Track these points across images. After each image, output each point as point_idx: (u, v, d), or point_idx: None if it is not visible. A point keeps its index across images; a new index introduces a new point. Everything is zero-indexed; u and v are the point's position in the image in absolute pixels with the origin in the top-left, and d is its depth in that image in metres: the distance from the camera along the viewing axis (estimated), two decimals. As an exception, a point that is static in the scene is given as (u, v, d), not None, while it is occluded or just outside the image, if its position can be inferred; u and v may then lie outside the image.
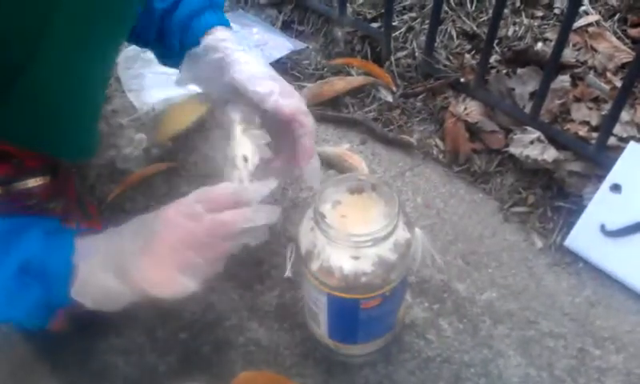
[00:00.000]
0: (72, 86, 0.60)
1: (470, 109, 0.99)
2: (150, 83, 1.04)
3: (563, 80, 0.98)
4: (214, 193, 0.60)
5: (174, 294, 0.58)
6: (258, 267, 0.85)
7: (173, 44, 0.76)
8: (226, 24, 0.75)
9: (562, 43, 0.86)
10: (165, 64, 0.85)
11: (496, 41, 1.05)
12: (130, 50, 1.09)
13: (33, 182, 0.66)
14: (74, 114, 0.64)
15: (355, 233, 0.61)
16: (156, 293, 0.58)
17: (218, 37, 0.72)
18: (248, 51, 0.72)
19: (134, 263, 0.58)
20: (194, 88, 1.02)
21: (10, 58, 0.52)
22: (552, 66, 0.89)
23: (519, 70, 1.01)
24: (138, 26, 0.73)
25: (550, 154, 0.91)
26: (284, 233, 0.88)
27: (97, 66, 0.65)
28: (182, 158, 0.98)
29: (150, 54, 1.06)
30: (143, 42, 0.82)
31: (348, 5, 1.15)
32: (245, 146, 0.67)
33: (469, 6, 1.13)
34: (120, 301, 0.60)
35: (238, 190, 0.62)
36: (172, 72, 0.87)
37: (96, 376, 0.75)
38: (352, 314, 0.66)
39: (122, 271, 0.58)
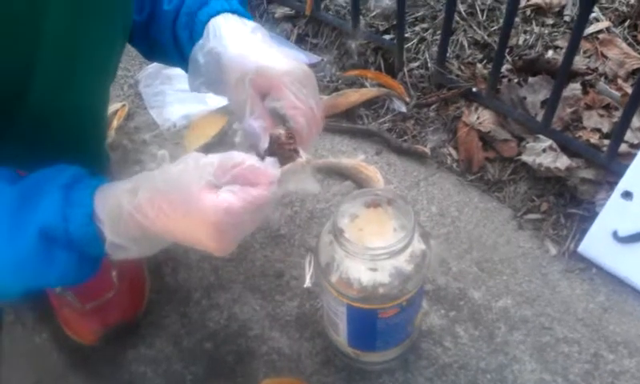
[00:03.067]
0: (69, 107, 0.62)
1: (482, 118, 1.01)
2: (170, 100, 1.08)
3: (574, 88, 0.99)
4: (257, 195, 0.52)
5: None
6: (278, 279, 0.88)
7: (184, 47, 0.67)
8: (238, 10, 0.65)
9: (572, 51, 0.87)
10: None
11: (507, 50, 1.07)
12: (150, 68, 1.13)
13: None
14: (77, 132, 0.64)
15: (372, 246, 0.63)
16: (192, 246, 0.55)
17: (219, 27, 0.63)
18: (248, 36, 0.62)
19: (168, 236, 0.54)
20: (213, 100, 1.07)
21: (4, 90, 0.55)
22: (563, 75, 0.90)
23: (530, 79, 1.02)
24: (154, 38, 0.70)
25: (563, 161, 0.92)
26: (303, 244, 0.91)
27: (91, 85, 0.65)
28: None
29: (169, 71, 1.10)
30: (167, 56, 0.73)
31: (361, 17, 1.17)
32: None
33: (480, 15, 1.15)
34: (151, 249, 0.58)
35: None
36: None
37: (126, 385, 0.79)
38: (370, 323, 0.68)
39: (144, 232, 0.54)
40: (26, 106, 0.59)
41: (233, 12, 0.64)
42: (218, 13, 0.64)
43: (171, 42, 0.69)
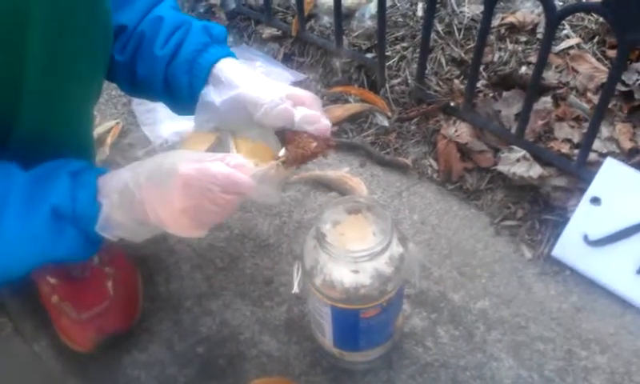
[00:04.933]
0: (57, 129, 0.68)
1: (460, 130, 1.06)
2: (162, 117, 1.12)
3: (546, 101, 1.05)
4: (235, 178, 0.62)
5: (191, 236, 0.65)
6: (267, 285, 0.92)
7: (181, 89, 0.75)
8: (232, 56, 0.76)
9: (541, 66, 0.93)
10: (179, 113, 0.84)
11: (483, 66, 1.13)
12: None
13: None
14: (66, 152, 0.68)
15: (353, 249, 0.68)
16: (172, 232, 0.64)
17: (224, 70, 0.72)
18: (257, 74, 0.72)
19: (153, 213, 0.62)
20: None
21: None
22: (533, 88, 0.96)
23: (505, 93, 1.08)
24: (142, 78, 0.77)
25: (536, 170, 0.98)
26: (290, 252, 0.95)
27: (77, 107, 0.72)
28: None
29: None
30: (152, 94, 0.81)
31: (344, 37, 1.23)
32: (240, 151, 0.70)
33: (457, 34, 1.21)
34: (140, 234, 0.66)
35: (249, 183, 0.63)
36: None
37: (122, 389, 0.82)
38: (353, 323, 0.72)
39: (140, 212, 0.63)
40: (16, 133, 0.64)
41: (229, 56, 0.74)
42: (218, 59, 0.73)
43: (161, 82, 0.76)
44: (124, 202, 0.63)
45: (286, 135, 0.68)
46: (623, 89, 1.06)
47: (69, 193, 0.62)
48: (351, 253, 0.68)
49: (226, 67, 0.73)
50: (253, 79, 0.71)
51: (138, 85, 0.80)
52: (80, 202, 0.62)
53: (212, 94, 0.72)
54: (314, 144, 0.67)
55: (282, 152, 0.67)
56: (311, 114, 0.68)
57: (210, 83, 0.73)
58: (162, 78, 0.76)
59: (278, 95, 0.68)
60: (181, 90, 0.75)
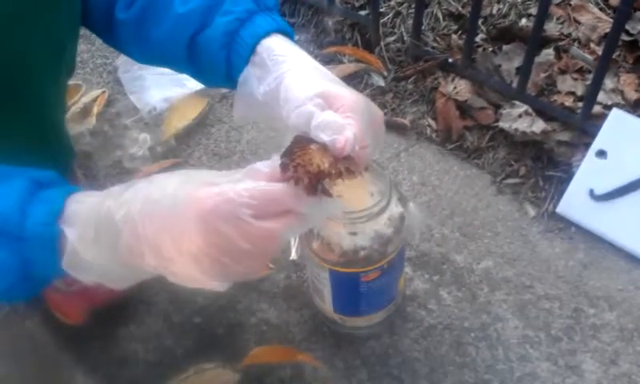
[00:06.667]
0: (24, 99, 0.57)
1: (459, 87, 1.02)
2: (149, 84, 1.08)
3: (547, 53, 1.01)
4: (270, 192, 0.45)
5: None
6: (264, 252, 0.89)
7: (215, 66, 0.59)
8: (285, 29, 0.58)
9: (542, 17, 0.89)
10: (209, 85, 0.68)
11: (481, 19, 1.08)
12: (128, 54, 1.13)
13: None
14: (36, 124, 0.60)
15: (351, 210, 0.65)
16: (179, 281, 0.48)
17: (274, 49, 0.55)
18: (308, 61, 0.55)
19: (153, 253, 0.46)
20: (193, 86, 1.08)
21: None
22: (535, 41, 0.92)
23: (505, 47, 1.04)
24: (157, 43, 0.61)
25: (539, 125, 0.94)
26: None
27: (44, 76, 0.60)
28: (185, 154, 1.03)
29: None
30: (172, 64, 0.65)
31: (336, -5, 1.18)
32: None
33: (454, -13, 1.16)
34: (124, 280, 0.50)
35: (295, 193, 0.45)
36: (170, 72, 0.90)
37: (119, 363, 0.80)
38: (353, 287, 0.70)
39: (128, 253, 0.46)
40: None
41: (280, 31, 0.57)
42: (267, 33, 0.56)
43: (184, 51, 0.60)
44: (102, 237, 0.46)
45: (296, 138, 0.50)
46: (627, 38, 1.02)
47: (18, 201, 0.45)
48: (348, 214, 0.65)
49: (275, 46, 0.55)
50: (302, 67, 0.54)
51: (151, 51, 0.63)
52: (32, 217, 0.45)
53: (252, 81, 0.56)
54: (326, 163, 0.46)
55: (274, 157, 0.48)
56: (331, 119, 0.48)
57: (251, 63, 0.56)
58: (186, 46, 0.59)
59: (310, 91, 0.51)
60: (215, 67, 0.59)
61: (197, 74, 0.64)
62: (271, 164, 0.46)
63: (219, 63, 0.58)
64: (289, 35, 0.58)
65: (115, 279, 0.50)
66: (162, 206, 0.45)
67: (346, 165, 0.47)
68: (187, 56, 0.60)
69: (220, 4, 0.57)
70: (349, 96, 0.50)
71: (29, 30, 0.54)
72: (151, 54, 0.64)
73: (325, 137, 0.47)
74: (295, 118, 0.50)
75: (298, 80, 0.52)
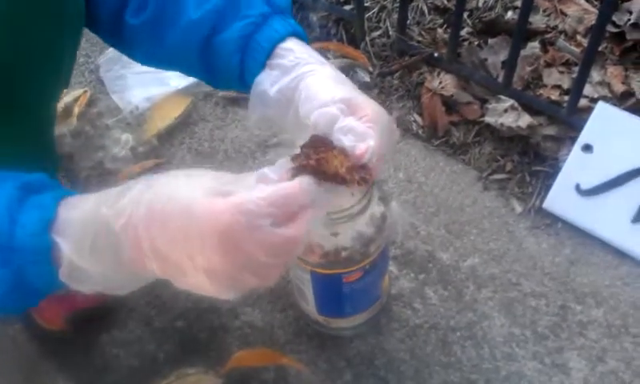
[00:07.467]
0: (15, 103, 0.56)
1: (444, 82, 1.01)
2: (132, 83, 1.07)
3: (533, 46, 1.00)
4: (287, 195, 0.43)
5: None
6: (247, 253, 0.88)
7: (229, 71, 0.58)
8: (299, 32, 0.58)
9: (527, 9, 0.88)
10: (221, 88, 0.69)
11: (467, 13, 1.07)
12: (109, 52, 1.11)
13: None
14: (26, 127, 0.59)
15: (331, 210, 0.63)
16: (187, 287, 0.46)
17: (294, 51, 0.55)
18: (324, 70, 0.54)
19: (162, 265, 0.44)
20: (176, 84, 1.06)
21: None
22: (520, 33, 0.91)
23: (490, 40, 1.03)
24: (169, 48, 0.60)
25: (525, 120, 0.93)
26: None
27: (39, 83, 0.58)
28: (169, 154, 1.01)
29: (129, 55, 1.09)
30: (185, 68, 0.65)
31: (321, -11, 1.16)
32: None
33: (439, -20, 1.15)
34: (125, 287, 0.49)
35: (310, 189, 0.44)
36: (152, 70, 0.89)
37: (100, 369, 0.79)
38: (336, 288, 0.69)
39: (130, 260, 0.44)
40: None
41: (295, 34, 0.57)
42: (283, 37, 0.56)
43: (196, 56, 0.60)
44: (100, 248, 0.44)
45: (313, 138, 0.49)
46: (614, 30, 1.01)
47: (7, 209, 0.43)
48: (330, 214, 0.63)
49: (294, 48, 0.56)
50: (325, 70, 0.54)
51: (162, 55, 0.63)
52: (23, 227, 0.43)
53: (266, 83, 0.55)
54: (343, 167, 0.47)
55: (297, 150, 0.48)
56: (354, 125, 0.48)
57: (268, 66, 0.56)
58: (199, 49, 0.59)
59: (336, 94, 0.51)
60: (228, 70, 0.58)
61: (208, 77, 0.63)
62: (278, 170, 0.45)
63: (233, 66, 0.58)
64: (303, 38, 0.58)
65: (117, 287, 0.48)
66: (172, 218, 0.42)
67: (361, 174, 0.47)
68: (199, 60, 0.60)
69: (234, 7, 0.57)
70: (372, 107, 0.51)
71: (27, 39, 0.53)
72: (161, 58, 0.64)
73: (347, 141, 0.48)
74: (317, 117, 0.50)
75: (321, 81, 0.53)
